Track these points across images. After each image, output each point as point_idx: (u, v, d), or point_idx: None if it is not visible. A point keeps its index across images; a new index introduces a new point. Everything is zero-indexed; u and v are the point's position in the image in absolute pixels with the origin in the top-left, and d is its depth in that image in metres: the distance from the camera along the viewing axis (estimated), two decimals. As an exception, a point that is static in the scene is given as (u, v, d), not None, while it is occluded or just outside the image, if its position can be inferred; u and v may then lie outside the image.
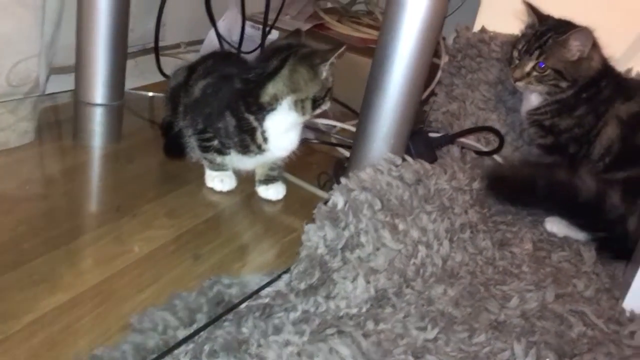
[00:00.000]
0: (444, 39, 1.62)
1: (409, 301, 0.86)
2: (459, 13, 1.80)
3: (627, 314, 0.93)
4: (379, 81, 1.01)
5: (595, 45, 1.17)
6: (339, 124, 1.43)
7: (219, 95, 1.00)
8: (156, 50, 1.43)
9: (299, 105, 0.97)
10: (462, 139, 1.26)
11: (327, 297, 0.81)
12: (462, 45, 1.42)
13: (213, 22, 1.52)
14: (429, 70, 1.04)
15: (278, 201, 1.08)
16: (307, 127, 1.34)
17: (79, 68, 1.28)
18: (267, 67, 0.96)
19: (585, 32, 1.14)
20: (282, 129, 1.00)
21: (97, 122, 1.29)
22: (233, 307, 0.74)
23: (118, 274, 0.83)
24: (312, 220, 0.86)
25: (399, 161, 1.00)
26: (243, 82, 0.99)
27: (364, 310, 0.82)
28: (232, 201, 1.06)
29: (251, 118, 0.98)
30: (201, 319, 0.73)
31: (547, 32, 1.17)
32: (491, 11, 1.44)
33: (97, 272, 0.83)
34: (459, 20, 1.50)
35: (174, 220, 0.97)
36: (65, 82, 1.33)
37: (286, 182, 1.13)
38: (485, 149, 1.27)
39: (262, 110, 0.97)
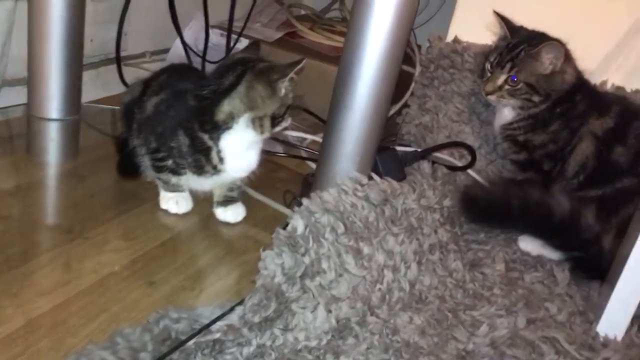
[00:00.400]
0: (419, 47, 1.59)
1: (373, 331, 0.82)
2: (433, 22, 1.77)
3: (601, 339, 0.90)
4: (344, 95, 0.97)
5: (568, 58, 1.13)
6: (309, 136, 1.39)
7: (172, 112, 0.95)
8: (118, 60, 1.38)
9: (257, 124, 0.92)
10: (434, 154, 1.22)
11: (285, 329, 0.76)
12: (435, 56, 1.38)
13: (179, 31, 1.47)
14: (402, 81, 1.00)
15: (238, 223, 1.03)
16: (275, 139, 1.30)
17: (31, 81, 1.22)
18: (222, 84, 0.91)
19: (557, 45, 1.11)
20: (239, 149, 0.95)
21: (51, 137, 1.23)
22: (179, 345, 0.69)
23: (64, 304, 0.79)
24: (270, 246, 0.82)
25: (364, 180, 0.96)
26: (197, 99, 0.93)
27: (324, 342, 0.78)
28: (189, 223, 1.01)
29: (205, 137, 0.93)
30: (145, 358, 0.68)
31: (519, 44, 1.14)
32: (464, 21, 1.41)
33: (41, 303, 0.78)
34: (434, 29, 1.46)
35: (128, 243, 0.93)
36: (17, 96, 1.27)
37: (250, 200, 1.08)
38: (458, 164, 1.23)
39: (217, 129, 0.92)
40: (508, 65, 1.13)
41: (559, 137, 1.14)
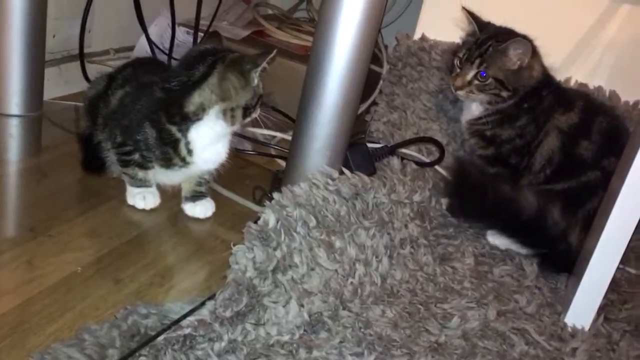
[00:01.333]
0: (385, 47, 1.60)
1: (346, 324, 0.81)
2: (401, 21, 1.78)
3: (569, 329, 0.91)
4: (314, 90, 0.96)
5: (535, 55, 1.15)
6: (278, 134, 1.38)
7: (137, 105, 0.93)
8: (81, 56, 1.35)
9: (228, 115, 0.91)
10: (403, 150, 1.23)
11: (257, 324, 0.75)
12: (403, 54, 1.39)
13: (144, 28, 1.45)
14: (369, 81, 1.00)
15: (208, 219, 1.01)
16: (244, 137, 1.29)
17: (-9, 75, 1.18)
18: (192, 75, 0.90)
19: (524, 41, 1.12)
20: (208, 140, 0.93)
21: (11, 134, 1.19)
22: (149, 341, 0.67)
23: (27, 302, 0.76)
24: (242, 241, 0.80)
25: (335, 174, 0.95)
26: (164, 91, 0.91)
27: (296, 336, 0.77)
28: (157, 219, 0.99)
29: (173, 129, 0.91)
30: (113, 354, 0.66)
31: (487, 40, 1.15)
32: (431, 19, 1.42)
33: (4, 301, 0.75)
34: (401, 28, 1.47)
35: (93, 240, 0.90)
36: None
37: (219, 196, 1.06)
38: (426, 160, 1.24)
39: (187, 120, 0.91)
40: (477, 61, 1.14)
41: (526, 131, 1.15)
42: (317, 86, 0.95)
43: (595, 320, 0.93)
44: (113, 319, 0.72)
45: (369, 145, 1.15)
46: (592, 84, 1.30)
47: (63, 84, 1.39)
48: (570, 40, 1.32)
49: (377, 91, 1.45)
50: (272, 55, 0.91)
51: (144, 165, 0.95)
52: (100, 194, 1.01)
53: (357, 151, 1.05)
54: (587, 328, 0.92)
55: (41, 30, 1.19)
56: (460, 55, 1.17)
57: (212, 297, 0.77)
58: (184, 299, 0.80)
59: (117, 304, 0.78)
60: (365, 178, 0.98)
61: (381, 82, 1.44)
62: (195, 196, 1.01)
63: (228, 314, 0.73)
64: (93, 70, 1.35)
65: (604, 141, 1.10)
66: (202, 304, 0.76)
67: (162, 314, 0.73)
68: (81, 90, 1.37)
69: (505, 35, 1.14)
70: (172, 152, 0.93)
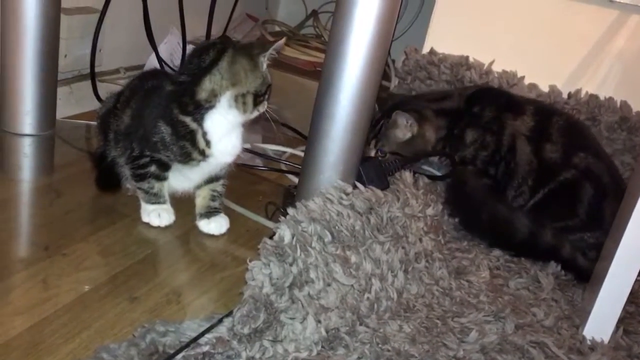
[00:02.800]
0: (393, 61, 1.60)
1: (363, 340, 0.81)
2: (408, 35, 1.79)
3: (589, 342, 0.90)
4: (326, 106, 0.96)
5: (423, 120, 1.21)
6: (288, 150, 1.39)
7: (148, 110, 0.93)
8: (92, 76, 1.36)
9: (239, 101, 0.91)
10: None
11: (274, 341, 0.75)
12: (412, 68, 1.40)
13: (154, 46, 1.46)
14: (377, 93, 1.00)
15: (221, 235, 1.01)
16: (255, 153, 1.30)
17: (4, 96, 1.19)
18: (202, 62, 0.90)
19: (404, 113, 1.19)
20: (224, 130, 0.94)
21: (25, 153, 1.19)
22: (167, 359, 0.67)
23: (43, 322, 0.76)
24: (257, 257, 0.80)
25: (349, 189, 0.95)
26: (174, 83, 0.92)
27: (314, 353, 0.76)
28: (171, 237, 0.99)
29: (188, 120, 0.92)
30: (132, 373, 0.66)
31: (381, 119, 1.22)
32: (440, 33, 1.42)
33: (19, 321, 0.75)
34: (409, 42, 1.48)
35: (108, 259, 0.90)
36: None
37: (231, 213, 1.06)
38: (438, 174, 1.23)
39: (200, 108, 0.91)
40: (373, 142, 1.22)
41: (485, 142, 1.18)
42: (329, 101, 0.95)
43: (614, 333, 0.91)
44: (131, 338, 0.72)
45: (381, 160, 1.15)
46: (603, 95, 1.29)
47: (74, 103, 1.40)
48: (579, 51, 1.32)
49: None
50: (280, 43, 0.92)
51: (160, 176, 0.95)
52: (114, 212, 1.02)
53: (370, 166, 1.05)
54: (606, 341, 0.91)
55: (54, 51, 1.21)
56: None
57: (229, 314, 0.76)
58: (200, 316, 0.79)
59: (134, 322, 0.77)
60: (379, 192, 0.98)
61: (390, 96, 1.44)
62: (210, 212, 1.01)
63: (246, 330, 0.72)
64: (104, 89, 1.36)
65: (567, 139, 1.13)
66: (220, 321, 0.75)
67: (179, 332, 0.73)
68: (92, 109, 1.39)
69: (394, 109, 1.20)
70: (190, 146, 0.93)
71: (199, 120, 0.92)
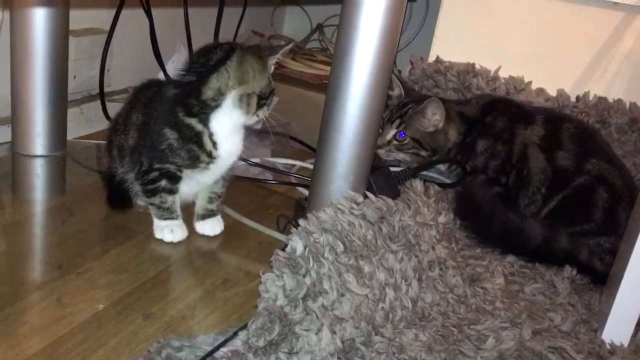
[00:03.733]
0: (399, 71, 1.61)
1: (379, 350, 0.80)
2: (414, 45, 1.80)
3: (608, 346, 0.89)
4: (334, 117, 0.96)
5: (450, 119, 1.21)
6: (297, 163, 1.39)
7: (152, 118, 0.94)
8: (102, 96, 1.37)
9: (244, 101, 0.92)
10: (425, 172, 1.22)
11: (290, 353, 0.74)
12: (418, 77, 1.40)
13: (161, 65, 1.47)
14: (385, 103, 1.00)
15: (234, 249, 1.01)
16: (265, 167, 1.30)
17: (16, 118, 1.21)
18: (208, 62, 0.91)
19: (439, 102, 1.18)
20: (229, 130, 0.95)
21: (37, 174, 1.21)
22: (184, 374, 0.67)
23: (59, 341, 0.76)
24: (270, 269, 0.80)
25: (360, 199, 0.95)
26: (178, 86, 0.93)
27: (330, 364, 0.76)
28: (184, 252, 0.99)
29: (193, 122, 0.92)
30: (148, 389, 0.65)
31: (408, 103, 1.22)
32: (445, 41, 1.43)
33: (35, 341, 0.75)
34: (414, 52, 1.48)
35: (121, 276, 0.90)
36: (0, 135, 1.26)
37: (243, 227, 1.07)
38: (448, 181, 1.23)
39: (206, 108, 0.92)
40: (397, 121, 1.21)
41: (495, 151, 1.18)
42: (337, 112, 0.96)
43: (633, 336, 0.90)
44: (147, 353, 0.71)
45: (391, 168, 1.15)
46: (611, 97, 1.29)
47: (84, 123, 1.41)
48: (586, 54, 1.32)
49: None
50: (288, 47, 0.94)
51: (172, 189, 0.96)
52: (126, 230, 1.02)
53: (380, 175, 1.05)
54: (626, 344, 0.89)
55: (63, 73, 1.22)
56: (383, 116, 1.20)
57: (244, 327, 0.76)
58: (215, 330, 0.79)
59: (149, 338, 0.77)
60: (390, 201, 0.98)
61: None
62: (206, 215, 1.03)
63: (261, 343, 0.72)
64: (113, 109, 1.36)
65: (578, 146, 1.13)
66: (235, 334, 0.75)
67: (195, 346, 0.72)
68: (102, 129, 1.40)
69: (426, 98, 1.20)
70: (197, 148, 0.93)
71: (205, 122, 0.92)
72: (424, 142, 1.21)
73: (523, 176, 1.16)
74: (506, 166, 1.18)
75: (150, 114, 0.95)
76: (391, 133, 1.21)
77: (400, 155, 1.22)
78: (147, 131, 0.95)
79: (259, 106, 0.94)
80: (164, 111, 0.94)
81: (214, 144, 0.94)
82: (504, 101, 1.25)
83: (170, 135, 0.93)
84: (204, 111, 0.92)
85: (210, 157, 0.95)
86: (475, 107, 1.24)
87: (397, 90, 1.26)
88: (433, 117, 1.20)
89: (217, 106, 0.92)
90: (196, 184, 1.00)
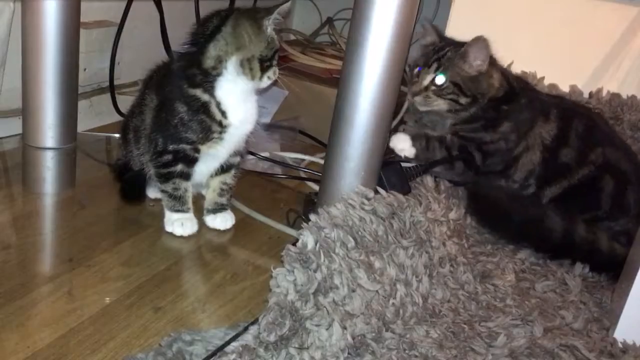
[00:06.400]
0: (409, 66, 1.60)
1: (390, 346, 0.80)
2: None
3: (620, 345, 0.88)
4: (346, 111, 0.96)
5: (493, 63, 1.13)
6: (307, 157, 1.38)
7: (165, 95, 0.94)
8: (112, 89, 1.37)
9: (246, 66, 0.90)
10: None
11: (301, 348, 0.74)
12: (429, 72, 1.38)
13: (171, 57, 1.47)
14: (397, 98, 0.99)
15: (244, 243, 1.01)
16: (274, 161, 1.30)
17: (26, 111, 1.21)
18: (205, 30, 0.90)
19: (483, 41, 1.09)
20: (237, 98, 0.93)
21: (48, 167, 1.21)
22: (195, 368, 0.67)
23: (69, 333, 0.76)
24: (281, 264, 0.80)
25: (371, 194, 0.95)
26: (179, 58, 0.93)
27: (341, 360, 0.75)
28: (194, 246, 0.99)
29: (198, 92, 0.91)
30: (159, 383, 0.65)
31: (446, 46, 1.14)
32: (457, 35, 1.41)
33: (46, 333, 0.75)
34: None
35: (132, 269, 0.90)
36: (11, 127, 1.26)
37: (253, 222, 1.07)
38: (457, 179, 1.22)
39: (208, 77, 0.91)
40: (434, 65, 1.12)
41: (509, 139, 1.14)
42: (348, 106, 0.95)
43: (646, 334, 0.90)
44: (158, 347, 0.72)
45: (402, 164, 1.14)
46: (625, 93, 1.28)
47: (94, 116, 1.41)
48: (599, 50, 1.30)
49: (404, 108, 1.44)
50: (285, 6, 0.90)
51: (186, 174, 0.96)
52: (137, 223, 1.02)
53: (391, 171, 1.04)
54: (638, 343, 0.89)
55: (74, 66, 1.22)
56: (416, 63, 1.15)
57: (254, 322, 0.76)
58: (224, 324, 0.79)
59: (159, 331, 0.77)
60: (401, 197, 0.97)
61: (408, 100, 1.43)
62: (217, 209, 1.03)
63: (272, 338, 0.72)
64: (123, 102, 1.37)
65: (583, 141, 1.12)
66: (246, 329, 0.75)
67: (206, 340, 0.72)
68: (112, 121, 1.40)
69: (465, 43, 1.12)
70: (207, 118, 0.92)
71: (210, 91, 0.91)
72: (464, 87, 1.11)
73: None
74: (506, 155, 1.14)
75: (163, 92, 0.95)
76: (428, 78, 1.12)
77: (438, 102, 1.13)
78: (161, 109, 0.95)
79: (264, 69, 0.91)
80: (173, 86, 0.93)
81: (223, 112, 0.92)
82: (533, 91, 1.21)
83: (181, 109, 0.92)
84: (207, 80, 0.91)
85: (222, 126, 0.93)
86: (517, 84, 1.18)
87: (430, 38, 1.18)
88: (475, 60, 1.11)
89: (219, 74, 0.91)
90: (213, 159, 0.99)
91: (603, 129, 1.17)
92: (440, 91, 1.12)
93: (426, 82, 1.13)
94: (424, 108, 1.17)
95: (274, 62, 0.93)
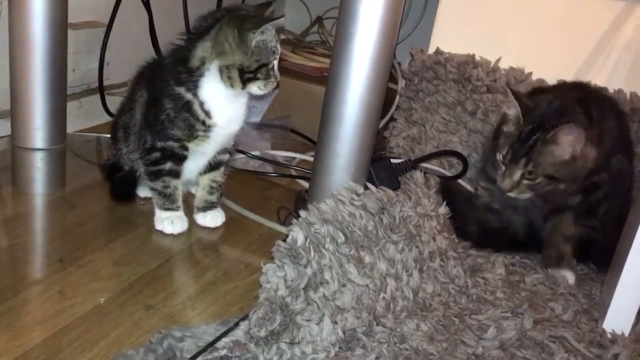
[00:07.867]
0: (399, 64, 1.60)
1: (381, 340, 0.80)
2: (413, 38, 1.79)
3: (609, 335, 0.89)
4: (334, 107, 0.96)
5: (588, 141, 1.00)
6: (298, 155, 1.39)
7: (154, 90, 0.94)
8: (101, 89, 1.37)
9: (224, 74, 0.89)
10: (425, 164, 1.22)
11: (291, 343, 0.74)
12: (418, 68, 1.39)
13: (161, 54, 1.47)
14: (385, 95, 1.00)
15: (235, 241, 1.01)
16: (265, 160, 1.30)
17: (15, 112, 1.21)
18: (200, 27, 0.90)
19: (575, 127, 0.97)
20: (222, 99, 0.92)
21: (38, 167, 1.20)
22: (186, 364, 0.67)
23: (61, 332, 0.76)
24: (271, 260, 0.80)
25: (360, 190, 0.95)
26: (171, 52, 0.93)
27: (332, 354, 0.76)
28: (184, 245, 0.99)
29: (182, 91, 0.91)
30: (150, 379, 0.65)
31: (533, 132, 1.00)
32: (445, 32, 1.42)
33: (37, 332, 0.75)
34: (414, 45, 1.47)
35: (122, 268, 0.90)
36: (0, 128, 1.25)
37: (244, 220, 1.07)
38: (448, 174, 1.23)
39: (192, 77, 0.90)
40: (523, 160, 1.01)
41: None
42: (337, 102, 0.95)
43: (634, 325, 0.90)
44: (148, 344, 0.72)
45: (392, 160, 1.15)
46: (612, 87, 1.29)
47: (84, 116, 1.41)
48: (586, 44, 1.31)
49: (393, 107, 1.45)
50: (277, 20, 0.89)
51: (175, 172, 0.96)
52: (127, 222, 1.02)
53: (380, 167, 1.05)
54: (627, 333, 0.90)
55: (62, 67, 1.22)
56: (503, 152, 1.04)
57: (245, 318, 0.76)
58: (216, 321, 0.79)
59: (151, 329, 0.77)
60: (390, 192, 0.98)
61: (398, 98, 1.44)
62: (207, 207, 1.03)
63: (262, 333, 0.72)
64: (113, 102, 1.37)
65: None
66: (236, 324, 0.75)
67: (197, 337, 0.73)
68: (101, 122, 1.40)
69: (554, 119, 0.99)
70: (190, 117, 0.92)
71: (193, 90, 0.91)
72: (558, 175, 1.00)
73: None
74: None
75: (153, 86, 0.95)
76: (518, 173, 1.02)
77: (534, 193, 1.04)
78: (151, 104, 0.95)
79: (246, 80, 0.90)
80: (162, 81, 0.93)
81: (207, 112, 0.92)
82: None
83: (167, 105, 0.92)
84: (191, 80, 0.90)
85: (205, 125, 0.93)
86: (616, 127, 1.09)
87: (514, 110, 1.03)
88: (568, 142, 0.98)
89: (202, 75, 0.90)
90: (201, 156, 0.99)
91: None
92: (534, 185, 1.03)
93: (517, 177, 1.02)
94: (520, 197, 1.06)
95: (260, 75, 0.90)
